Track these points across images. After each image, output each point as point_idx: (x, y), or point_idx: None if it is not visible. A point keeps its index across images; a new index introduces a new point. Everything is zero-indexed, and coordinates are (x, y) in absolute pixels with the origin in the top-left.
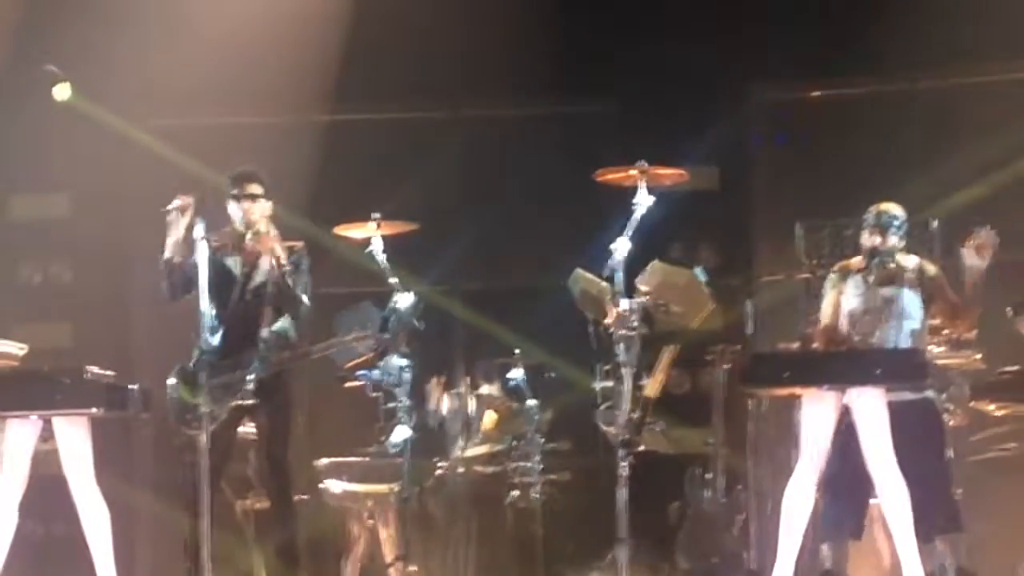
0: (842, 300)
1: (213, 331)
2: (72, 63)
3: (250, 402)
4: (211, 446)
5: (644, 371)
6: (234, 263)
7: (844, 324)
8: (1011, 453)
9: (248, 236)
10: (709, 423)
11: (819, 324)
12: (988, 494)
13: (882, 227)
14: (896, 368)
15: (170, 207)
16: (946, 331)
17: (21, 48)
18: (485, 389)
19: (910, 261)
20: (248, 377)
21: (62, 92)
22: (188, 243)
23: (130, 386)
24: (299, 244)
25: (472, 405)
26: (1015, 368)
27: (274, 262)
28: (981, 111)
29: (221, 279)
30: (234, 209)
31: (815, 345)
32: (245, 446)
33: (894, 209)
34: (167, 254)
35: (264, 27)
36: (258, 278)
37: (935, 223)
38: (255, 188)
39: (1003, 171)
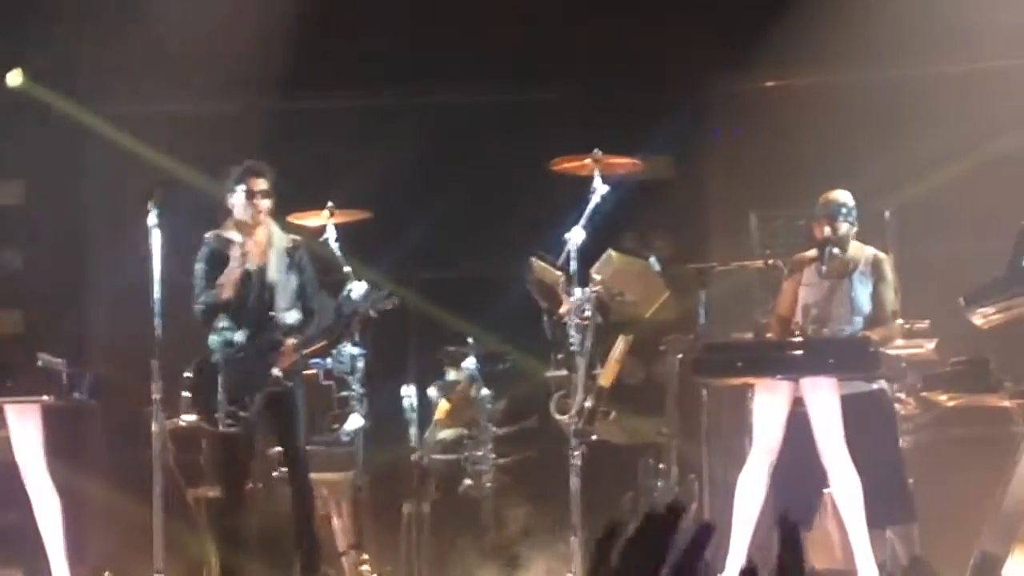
0: (799, 291)
1: (231, 327)
2: (24, 49)
3: (277, 389)
4: (238, 440)
5: (598, 360)
6: (244, 259)
7: (798, 314)
8: (963, 443)
9: (257, 232)
10: (662, 413)
11: (774, 314)
12: (940, 483)
13: (830, 216)
14: (848, 358)
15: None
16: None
17: None
18: (451, 375)
19: (864, 251)
20: (273, 370)
21: (14, 78)
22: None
23: (82, 372)
24: (299, 238)
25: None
26: (967, 358)
27: (282, 256)
28: (935, 101)
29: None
30: (242, 203)
31: (769, 335)
32: (197, 435)
33: (842, 197)
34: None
35: (217, 13)
36: (270, 273)
37: (888, 213)
38: (264, 183)
39: (956, 162)
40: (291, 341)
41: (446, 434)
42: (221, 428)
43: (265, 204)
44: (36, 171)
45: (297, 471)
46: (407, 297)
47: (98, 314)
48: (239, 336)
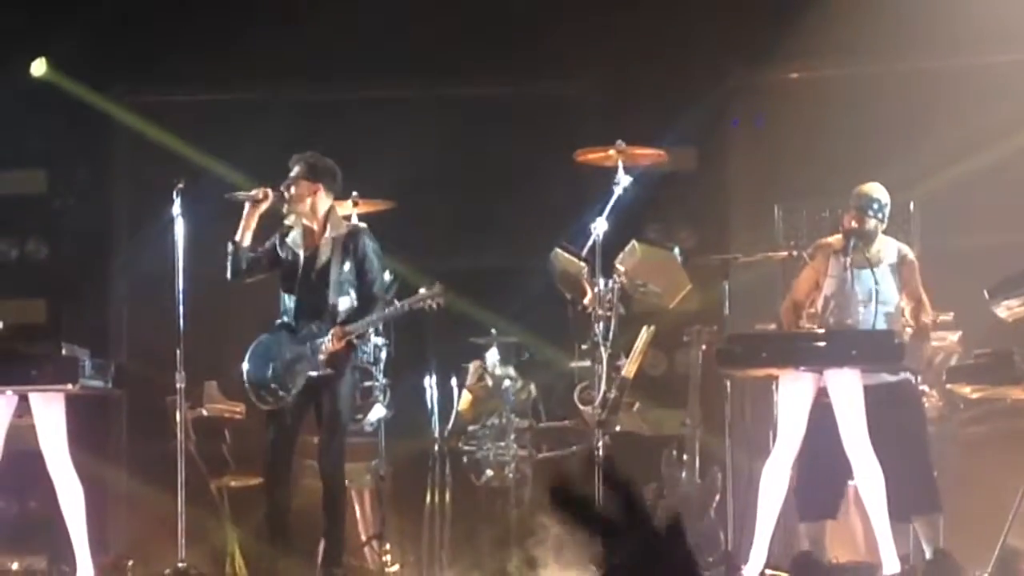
0: (821, 281)
1: (287, 312)
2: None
3: (322, 373)
4: (282, 419)
5: (621, 351)
6: (297, 246)
7: (819, 304)
8: (987, 435)
9: (313, 219)
10: (686, 404)
11: (789, 298)
12: (964, 476)
13: (860, 210)
14: (872, 350)
15: (244, 196)
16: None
17: None
18: (499, 370)
19: (889, 244)
20: (319, 352)
21: (38, 67)
22: (257, 229)
23: (106, 362)
24: (361, 225)
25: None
26: (991, 351)
27: (337, 243)
28: (960, 94)
29: (287, 262)
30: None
31: (781, 315)
32: (220, 424)
33: (875, 192)
34: (236, 236)
35: (242, 1)
36: (321, 259)
37: (913, 205)
38: (292, 172)
39: (981, 154)
40: (338, 329)
41: (469, 425)
42: (260, 404)
43: (293, 192)
44: (59, 161)
45: (327, 462)
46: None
47: (122, 304)
48: (293, 323)
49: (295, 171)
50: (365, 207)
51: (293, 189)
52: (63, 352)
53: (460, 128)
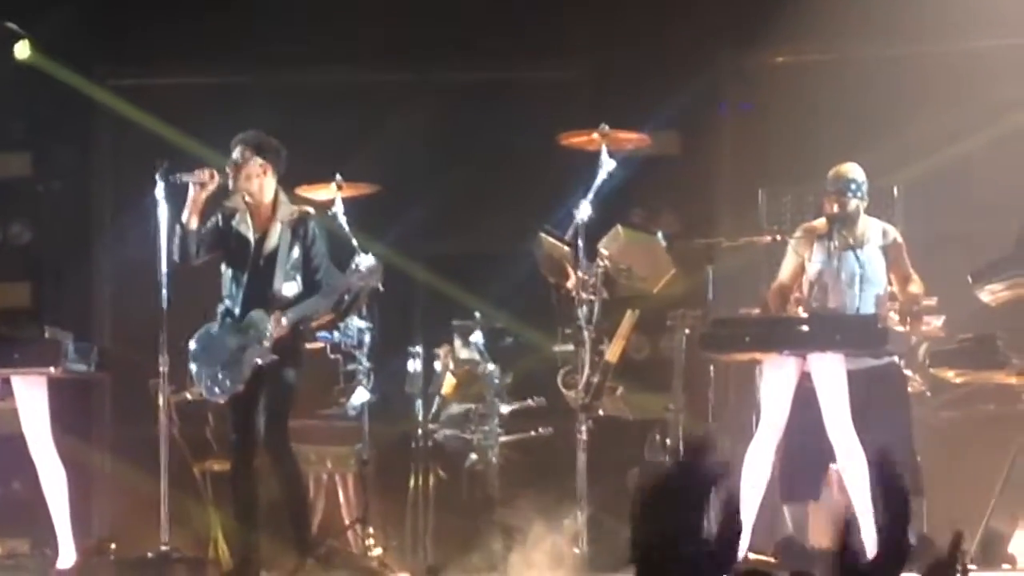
0: (806, 265)
1: (231, 297)
2: (32, 21)
3: (269, 360)
4: (239, 409)
5: (605, 336)
6: (247, 229)
7: (804, 288)
8: (970, 419)
9: (262, 202)
10: (669, 388)
11: (776, 281)
12: (946, 460)
13: (839, 192)
14: (856, 334)
15: (190, 178)
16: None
17: None
18: (464, 353)
19: (874, 225)
20: (264, 339)
21: (22, 50)
22: (204, 212)
23: (89, 346)
24: (309, 210)
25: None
26: (974, 335)
27: (285, 228)
28: (945, 78)
29: (236, 245)
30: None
31: (768, 299)
32: (203, 408)
33: (852, 172)
34: (183, 219)
35: None
36: (269, 244)
37: (897, 190)
38: (234, 154)
39: (966, 139)
40: (278, 314)
41: (452, 409)
42: (207, 397)
43: (242, 172)
44: (43, 144)
45: (271, 446)
46: (414, 271)
47: (105, 287)
48: (238, 308)
49: (242, 151)
50: (349, 190)
51: (242, 169)
52: (46, 335)
53: (444, 112)
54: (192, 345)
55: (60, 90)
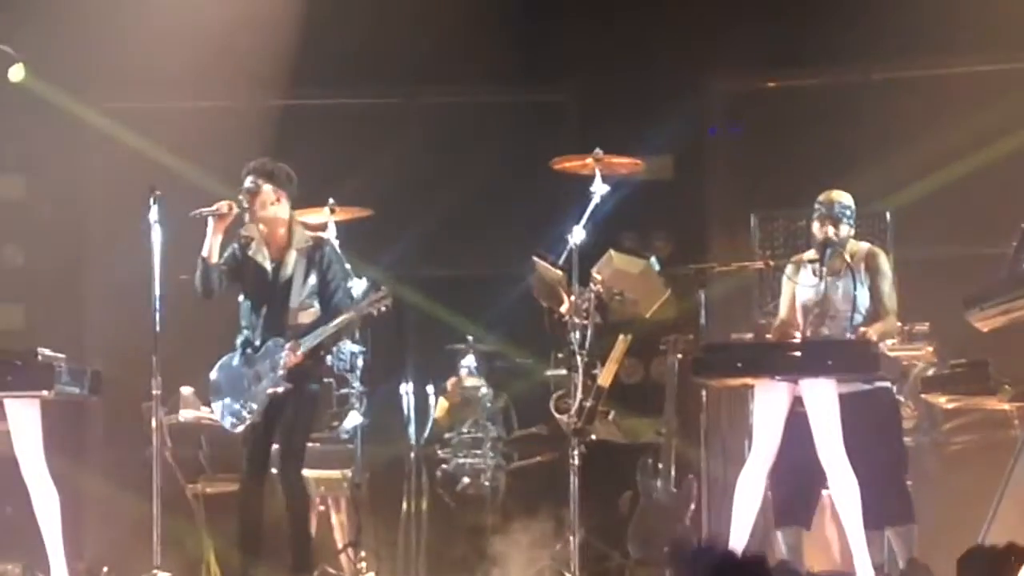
0: (797, 291)
1: (250, 327)
2: (26, 45)
3: (282, 389)
4: (254, 434)
5: (597, 360)
6: (263, 259)
7: (798, 314)
8: (962, 445)
9: (277, 230)
10: (661, 412)
11: (776, 318)
12: (939, 486)
13: (834, 218)
14: (847, 359)
15: (208, 211)
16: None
17: None
18: (471, 382)
19: (860, 248)
20: (279, 368)
21: (16, 73)
22: (223, 245)
23: (82, 368)
24: (324, 236)
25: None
26: (966, 361)
27: (301, 255)
28: (936, 103)
29: (253, 274)
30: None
31: (769, 337)
32: (196, 431)
33: (844, 198)
34: (204, 253)
35: (220, 10)
36: (285, 272)
37: (888, 214)
38: (246, 183)
39: (957, 163)
40: (294, 343)
41: (445, 433)
42: (226, 428)
43: (256, 200)
44: (37, 166)
45: (287, 471)
46: (407, 295)
47: (99, 310)
48: (257, 338)
49: (254, 179)
50: (342, 214)
51: (256, 198)
52: (39, 358)
53: (438, 136)
54: (213, 375)
55: (54, 113)
